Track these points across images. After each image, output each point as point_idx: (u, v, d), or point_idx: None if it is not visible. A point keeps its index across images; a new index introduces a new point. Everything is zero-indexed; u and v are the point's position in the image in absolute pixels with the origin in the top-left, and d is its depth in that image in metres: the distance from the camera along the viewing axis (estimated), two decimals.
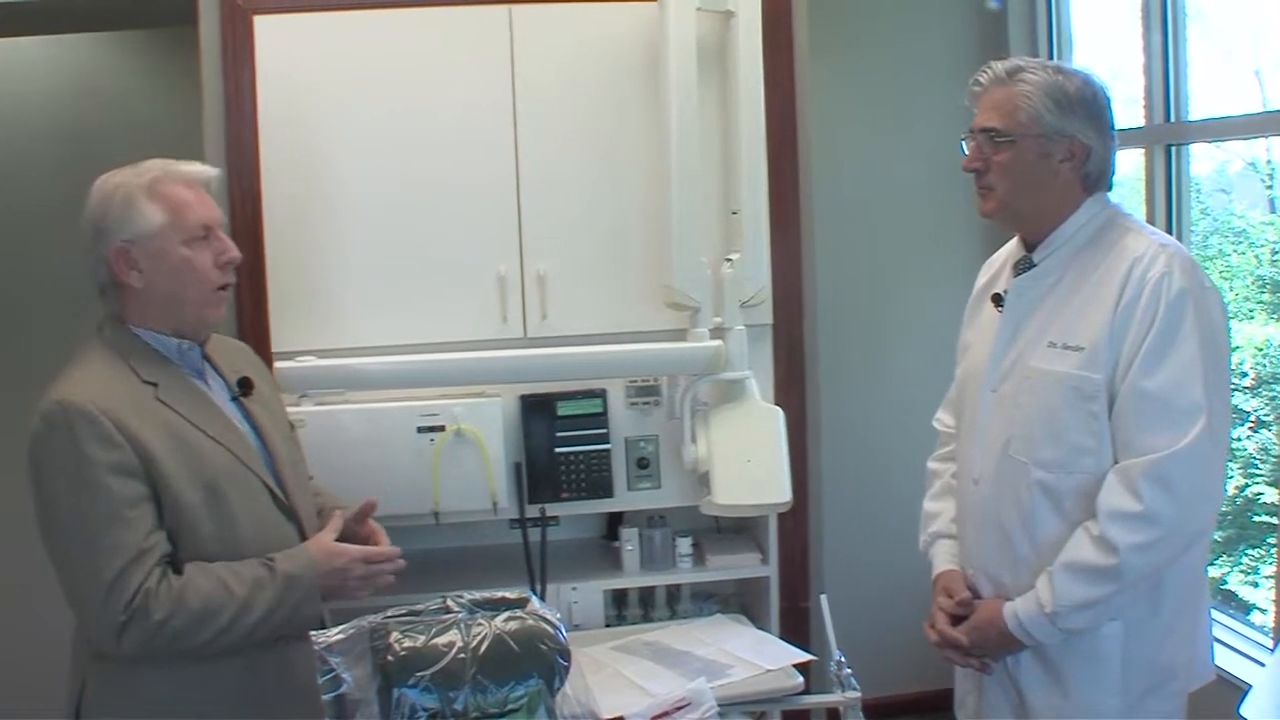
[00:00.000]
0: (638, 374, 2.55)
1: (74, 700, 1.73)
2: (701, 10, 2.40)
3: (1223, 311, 1.80)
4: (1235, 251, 3.30)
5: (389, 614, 1.63)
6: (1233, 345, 1.87)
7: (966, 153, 1.89)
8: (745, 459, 2.34)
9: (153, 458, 1.65)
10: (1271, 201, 3.22)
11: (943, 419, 2.16)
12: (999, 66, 1.87)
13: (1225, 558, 3.13)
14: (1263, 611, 2.91)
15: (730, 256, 2.44)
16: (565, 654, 1.61)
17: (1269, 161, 3.16)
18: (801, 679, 2.14)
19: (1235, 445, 2.91)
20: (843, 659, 1.98)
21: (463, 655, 1.54)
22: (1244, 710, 1.85)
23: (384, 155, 2.50)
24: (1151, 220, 2.83)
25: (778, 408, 2.43)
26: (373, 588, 1.82)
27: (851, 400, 3.44)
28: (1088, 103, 1.82)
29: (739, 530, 2.81)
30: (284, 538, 1.79)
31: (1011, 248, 1.99)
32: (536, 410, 2.54)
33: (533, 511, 2.53)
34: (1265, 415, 3.14)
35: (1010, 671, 1.91)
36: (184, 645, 1.64)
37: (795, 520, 2.66)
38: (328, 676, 1.56)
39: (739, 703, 2.07)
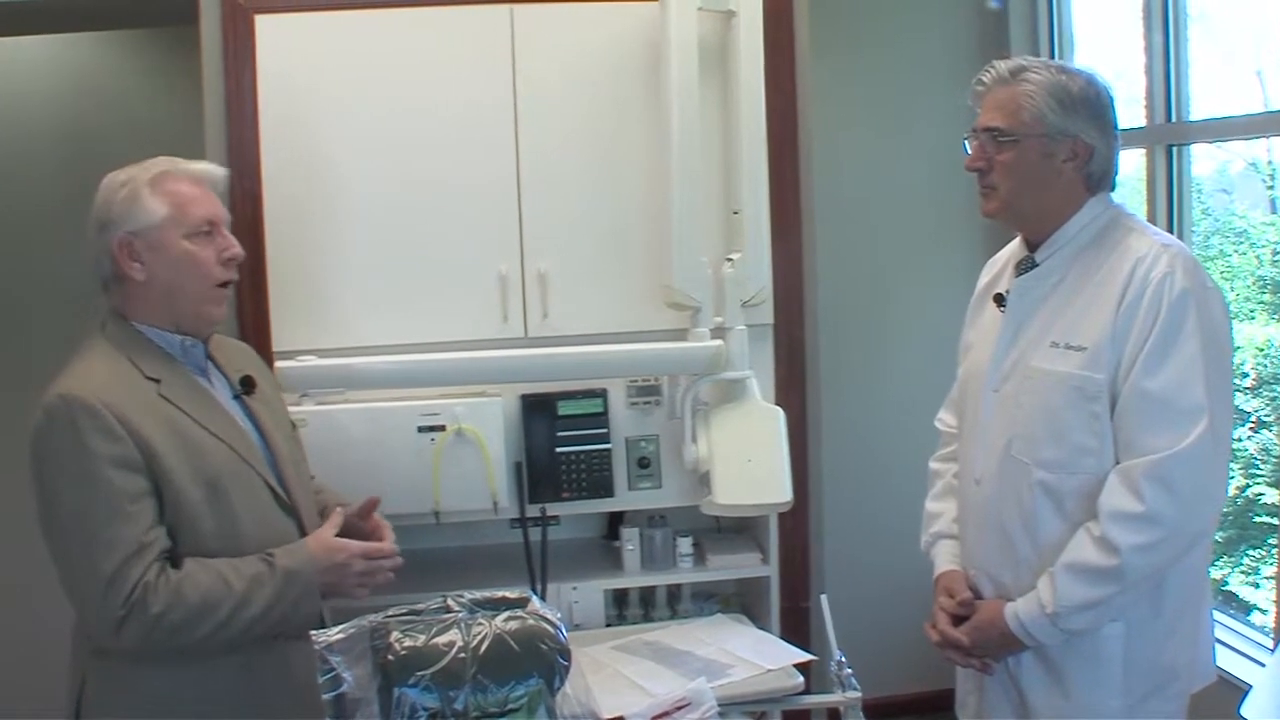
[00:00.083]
0: (638, 374, 2.55)
1: (74, 698, 1.73)
2: (703, 10, 2.40)
3: (1225, 312, 1.80)
4: (1236, 252, 3.30)
5: (389, 613, 1.63)
6: (1234, 345, 1.87)
7: (969, 152, 1.89)
8: (746, 459, 2.34)
9: (155, 452, 1.66)
10: (1273, 202, 3.22)
11: (944, 419, 2.16)
12: (1002, 66, 1.86)
13: (1226, 558, 3.13)
14: (1263, 612, 2.90)
15: (731, 256, 2.44)
16: (565, 654, 1.61)
17: (1270, 162, 3.16)
18: (802, 679, 2.14)
19: (1236, 446, 2.91)
20: (843, 659, 1.98)
21: (463, 655, 1.54)
22: (1244, 710, 1.85)
23: (385, 154, 2.50)
24: (1152, 220, 2.82)
25: (778, 408, 2.43)
26: (372, 584, 1.82)
27: (851, 400, 3.44)
28: (1091, 102, 1.82)
29: (739, 530, 2.81)
30: (285, 535, 1.79)
31: (1014, 247, 1.99)
32: (537, 410, 2.54)
33: (533, 511, 2.53)
34: (1266, 416, 3.14)
35: (1011, 672, 1.91)
36: (182, 639, 1.64)
37: (795, 520, 2.66)
38: (328, 676, 1.55)
39: (739, 702, 2.07)
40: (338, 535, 1.82)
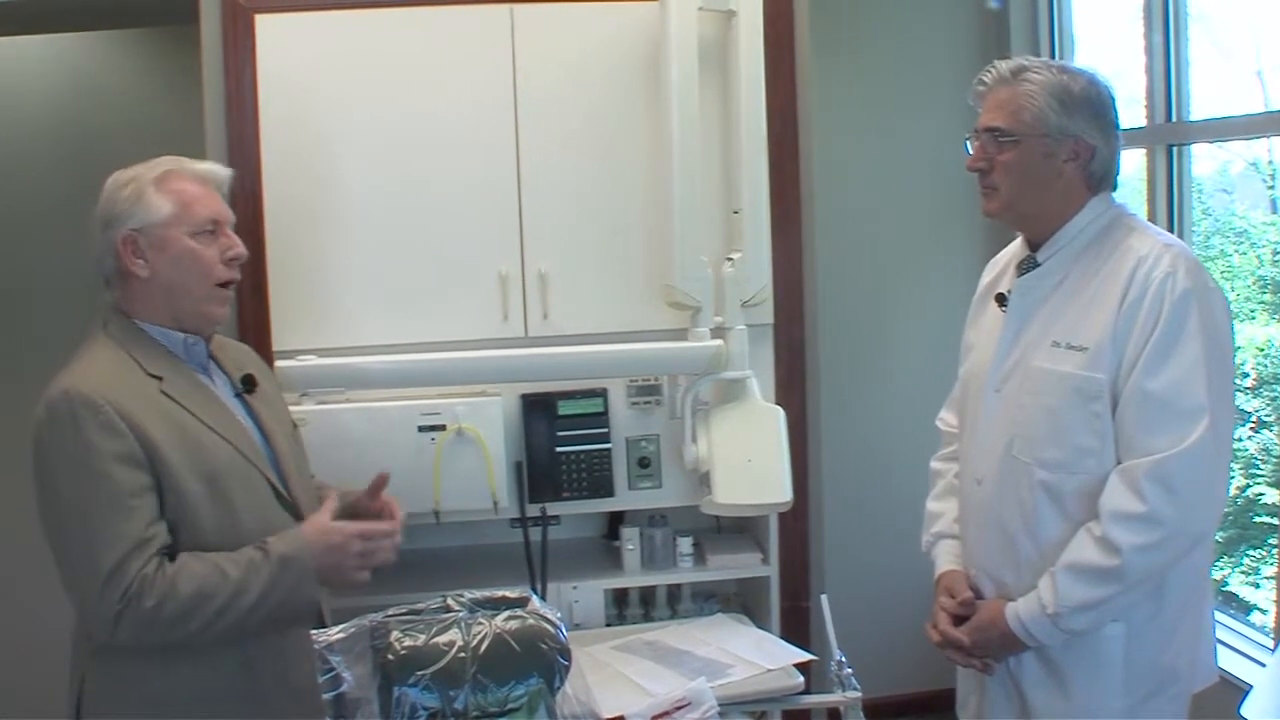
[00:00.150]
0: (638, 373, 2.55)
1: (74, 696, 1.73)
2: (703, 10, 2.40)
3: (1226, 312, 1.79)
4: (1236, 252, 3.30)
5: (389, 613, 1.63)
6: (1235, 346, 1.87)
7: (970, 152, 1.89)
8: (746, 459, 2.34)
9: (156, 448, 1.66)
10: (1273, 202, 3.22)
11: (945, 419, 2.16)
12: (1004, 66, 1.86)
13: (1226, 558, 3.13)
14: (1263, 612, 2.90)
15: (731, 256, 2.44)
16: (566, 653, 1.61)
17: (1270, 162, 3.16)
18: (802, 679, 2.14)
19: (1236, 446, 2.91)
20: (843, 659, 1.98)
21: (463, 654, 1.54)
22: (1244, 710, 1.85)
23: (385, 154, 2.50)
24: (1153, 221, 2.82)
25: (778, 407, 2.43)
26: (373, 565, 1.79)
27: (851, 400, 3.44)
28: (1092, 102, 1.81)
29: (740, 530, 2.81)
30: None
31: (1016, 247, 1.99)
32: (537, 409, 2.53)
33: (533, 511, 2.53)
34: (1266, 416, 3.14)
35: (1012, 672, 1.91)
36: (180, 631, 1.64)
37: (796, 520, 2.66)
38: (328, 675, 1.55)
39: (739, 702, 2.07)
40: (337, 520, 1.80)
